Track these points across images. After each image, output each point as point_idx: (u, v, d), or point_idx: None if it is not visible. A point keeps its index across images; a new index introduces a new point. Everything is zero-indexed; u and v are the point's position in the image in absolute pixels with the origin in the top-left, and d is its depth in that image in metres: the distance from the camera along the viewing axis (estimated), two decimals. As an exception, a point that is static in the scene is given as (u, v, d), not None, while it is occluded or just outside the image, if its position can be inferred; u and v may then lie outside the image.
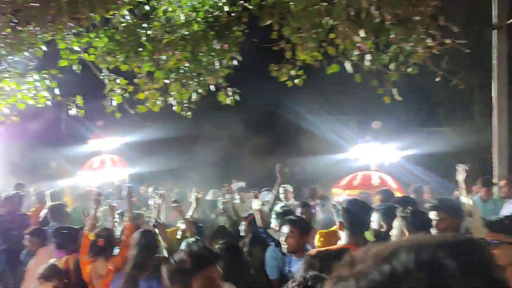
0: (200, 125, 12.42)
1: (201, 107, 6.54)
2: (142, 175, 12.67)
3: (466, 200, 3.49)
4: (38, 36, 5.56)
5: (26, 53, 5.84)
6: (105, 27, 5.39)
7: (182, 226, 5.05)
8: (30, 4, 4.95)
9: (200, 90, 5.88)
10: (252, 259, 4.91)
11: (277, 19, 4.79)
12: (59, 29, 5.18)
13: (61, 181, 12.21)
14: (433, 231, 3.25)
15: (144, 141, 13.35)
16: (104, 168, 10.89)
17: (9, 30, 5.62)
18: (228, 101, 5.96)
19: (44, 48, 5.83)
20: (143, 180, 12.00)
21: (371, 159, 9.73)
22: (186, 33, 5.25)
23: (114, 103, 6.08)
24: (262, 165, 13.87)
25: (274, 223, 4.86)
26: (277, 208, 5.07)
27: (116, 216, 5.58)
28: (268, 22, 4.72)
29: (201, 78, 5.75)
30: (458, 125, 13.80)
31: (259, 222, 4.40)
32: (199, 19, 5.30)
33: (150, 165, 13.19)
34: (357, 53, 4.64)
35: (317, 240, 4.01)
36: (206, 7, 5.28)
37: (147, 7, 5.37)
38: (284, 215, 4.71)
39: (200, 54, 5.37)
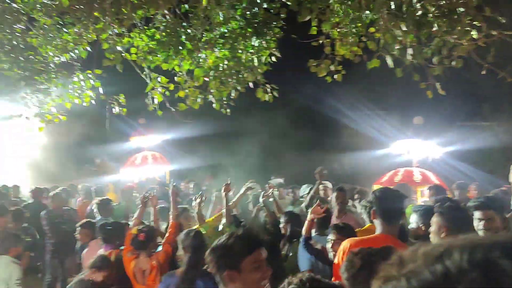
0: (239, 122, 12.46)
1: (241, 104, 6.58)
2: (182, 171, 12.90)
3: None
4: (83, 38, 5.75)
5: (71, 54, 6.06)
6: (146, 27, 5.51)
7: (223, 220, 5.13)
8: (75, 6, 5.11)
9: (239, 87, 5.91)
10: (291, 254, 4.93)
11: (316, 15, 4.75)
12: (103, 30, 5.33)
13: (104, 177, 12.61)
14: (481, 231, 3.15)
15: (184, 138, 13.58)
16: (145, 165, 11.14)
17: (55, 32, 5.84)
18: (266, 97, 5.97)
19: (88, 48, 6.03)
20: (183, 176, 12.21)
21: (413, 155, 9.52)
22: (225, 30, 5.29)
23: (156, 101, 6.22)
24: (301, 161, 13.83)
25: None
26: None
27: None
28: (307, 18, 4.68)
29: (240, 75, 5.78)
30: (505, 120, 13.27)
31: (306, 231, 4.36)
32: (238, 17, 5.33)
33: (190, 161, 13.39)
34: (398, 47, 4.54)
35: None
36: (244, 4, 5.29)
37: (186, 6, 5.44)
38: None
39: (239, 52, 5.40)
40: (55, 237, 7.10)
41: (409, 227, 4.16)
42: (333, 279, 3.04)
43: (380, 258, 2.05)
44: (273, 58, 5.71)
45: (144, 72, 6.02)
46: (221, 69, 5.66)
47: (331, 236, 4.00)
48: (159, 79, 6.08)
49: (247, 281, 2.03)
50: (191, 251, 3.85)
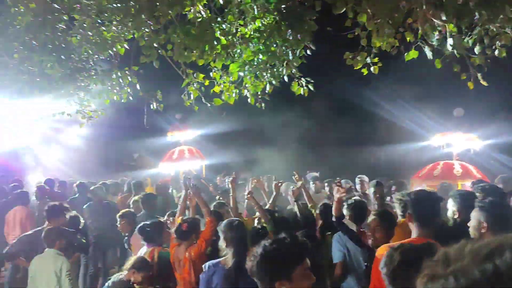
0: (274, 116, 12.46)
1: (276, 98, 6.57)
2: (218, 165, 13.03)
3: None
4: (121, 35, 5.88)
5: (110, 52, 6.20)
6: (182, 23, 5.56)
7: (258, 214, 5.16)
8: (113, 5, 5.23)
9: (274, 82, 5.90)
10: (324, 246, 4.91)
11: (351, 6, 4.67)
12: (139, 27, 5.42)
13: (143, 172, 12.89)
14: None
15: (220, 132, 13.70)
16: (182, 159, 11.29)
17: (94, 30, 5.99)
18: (301, 91, 5.93)
19: (126, 46, 6.16)
20: (219, 170, 12.32)
21: (453, 147, 9.27)
22: (259, 25, 5.28)
23: (192, 96, 6.29)
24: (337, 155, 13.70)
25: (345, 213, 4.82)
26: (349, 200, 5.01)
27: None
28: (342, 10, 4.61)
29: (274, 69, 5.76)
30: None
31: (336, 211, 4.32)
32: (272, 10, 5.30)
33: (226, 156, 13.50)
34: (437, 37, 4.40)
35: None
36: (279, -2, 5.27)
37: (221, 1, 5.46)
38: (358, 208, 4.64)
39: (273, 46, 5.38)
40: (97, 230, 7.32)
41: (446, 214, 4.08)
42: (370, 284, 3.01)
43: (421, 254, 2.01)
44: (308, 52, 5.67)
45: (181, 68, 6.10)
46: (256, 63, 5.66)
47: (370, 221, 3.95)
48: (194, 74, 6.15)
49: None
50: (236, 244, 3.88)
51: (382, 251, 2.89)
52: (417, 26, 4.57)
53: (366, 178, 8.18)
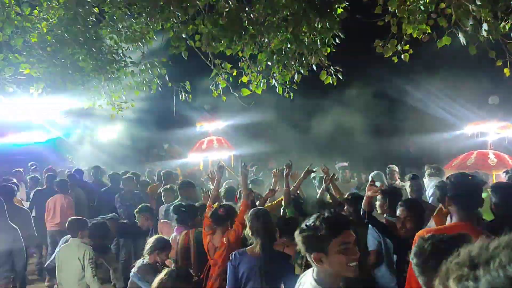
0: (303, 106, 12.38)
1: (304, 88, 6.52)
2: (246, 155, 13.07)
3: None
4: (150, 27, 5.93)
5: (139, 43, 6.27)
6: (210, 13, 5.57)
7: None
8: (142, -4, 5.28)
9: (302, 71, 5.85)
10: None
11: (381, -8, 4.58)
12: (168, 18, 5.46)
13: (173, 162, 13.07)
14: None
15: (248, 123, 13.73)
16: (211, 149, 11.38)
17: (124, 23, 6.07)
18: (330, 80, 5.87)
19: (154, 37, 6.22)
20: (246, 160, 12.36)
21: (487, 137, 9.02)
22: (287, 13, 5.23)
23: (220, 87, 6.31)
24: (366, 144, 13.54)
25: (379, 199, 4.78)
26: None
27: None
28: (372, -4, 4.53)
29: (303, 58, 5.71)
30: None
31: (366, 206, 4.27)
32: (300, -1, 5.25)
33: (253, 146, 13.53)
34: (472, 23, 4.26)
35: None
36: (307, -14, 5.20)
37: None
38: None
39: (302, 34, 5.32)
40: (127, 219, 7.48)
41: None
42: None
43: (453, 245, 1.96)
44: (337, 40, 5.59)
45: (209, 59, 6.11)
46: (284, 52, 5.62)
47: (399, 212, 3.89)
48: (222, 65, 6.16)
49: (334, 263, 2.07)
50: (262, 233, 3.89)
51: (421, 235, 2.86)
52: (450, 12, 4.44)
53: (396, 168, 8.06)
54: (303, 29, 5.25)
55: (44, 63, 6.26)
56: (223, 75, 6.18)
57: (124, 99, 7.32)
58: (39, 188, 8.97)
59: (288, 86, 6.18)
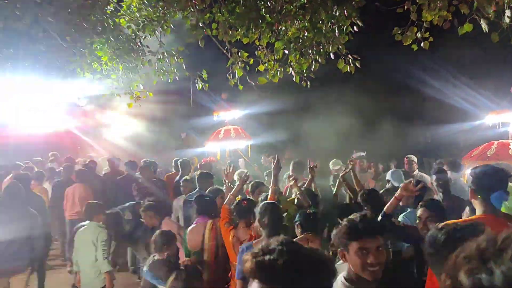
0: (320, 94, 12.28)
1: (322, 76, 6.46)
2: (263, 145, 13.06)
3: None
4: (167, 16, 5.94)
5: (156, 32, 6.29)
6: (226, 2, 5.55)
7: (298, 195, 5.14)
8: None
9: (319, 59, 5.80)
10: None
11: (401, -21, 4.50)
12: (185, 7, 5.46)
13: (190, 151, 13.13)
14: None
15: (266, 112, 13.69)
16: (228, 139, 11.40)
17: (141, 12, 6.09)
18: (348, 69, 5.80)
19: (172, 26, 6.23)
20: (264, 150, 12.35)
21: (508, 127, 8.83)
22: (304, 1, 5.19)
23: (236, 76, 6.30)
24: (384, 135, 13.40)
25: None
26: None
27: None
28: (391, -17, 4.45)
29: (320, 47, 5.66)
30: None
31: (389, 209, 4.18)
32: (318, -14, 5.19)
33: (271, 135, 13.50)
34: (494, 9, 4.16)
35: None
36: (325, -27, 5.13)
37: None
38: None
39: (319, 22, 5.27)
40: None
41: None
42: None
43: (467, 234, 1.94)
44: (355, 28, 5.52)
45: (225, 47, 6.10)
46: (301, 41, 5.58)
47: (420, 213, 3.80)
48: (239, 53, 6.14)
49: (353, 263, 2.21)
50: (269, 226, 3.87)
51: None
52: (472, -2, 4.35)
53: (414, 158, 7.96)
54: (321, 17, 5.20)
55: (63, 52, 6.34)
56: (239, 64, 6.16)
57: (142, 88, 7.37)
58: (57, 179, 9.10)
59: (305, 75, 6.13)
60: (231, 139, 11.44)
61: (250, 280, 1.13)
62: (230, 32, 5.35)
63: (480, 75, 12.97)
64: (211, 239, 4.82)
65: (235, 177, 6.11)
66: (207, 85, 6.92)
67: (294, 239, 3.92)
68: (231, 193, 4.82)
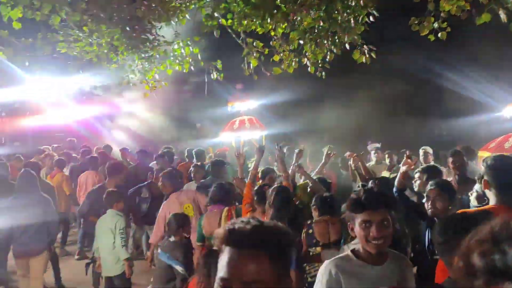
0: (335, 85, 12.21)
1: (337, 67, 6.43)
2: (277, 135, 13.06)
3: None
4: (182, 6, 5.95)
5: (172, 23, 6.31)
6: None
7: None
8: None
9: (334, 49, 5.77)
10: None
11: (418, -32, 4.44)
12: (200, -3, 5.48)
13: (205, 141, 13.20)
14: None
15: (280, 102, 13.67)
16: (243, 129, 11.41)
17: (157, 2, 6.11)
18: (363, 59, 5.76)
19: (187, 16, 6.24)
20: (278, 140, 12.35)
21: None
22: (320, -9, 5.16)
23: (251, 66, 6.30)
24: (399, 126, 13.30)
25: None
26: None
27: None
28: (408, -28, 4.40)
29: (336, 37, 5.63)
30: None
31: (399, 184, 4.21)
32: (334, -24, 5.15)
33: (285, 125, 13.49)
34: (513, -2, 4.09)
35: None
36: (341, -37, 5.09)
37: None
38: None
39: (335, 12, 5.24)
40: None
41: None
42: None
43: (476, 223, 1.94)
44: (371, 18, 5.47)
45: (240, 38, 6.11)
46: (317, 31, 5.55)
47: (428, 193, 3.82)
48: (254, 43, 6.14)
49: (358, 235, 2.30)
50: (275, 209, 3.94)
51: None
52: (491, -13, 4.28)
53: (430, 150, 7.90)
54: (336, 7, 5.16)
55: (80, 42, 6.40)
56: (254, 54, 6.16)
57: (157, 77, 7.41)
58: (73, 164, 9.29)
59: (320, 65, 6.11)
60: (246, 129, 11.46)
61: (222, 248, 1.25)
62: (245, 22, 5.35)
63: (498, 67, 12.75)
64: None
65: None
66: (222, 75, 6.94)
67: (314, 220, 4.01)
68: (252, 167, 4.97)
